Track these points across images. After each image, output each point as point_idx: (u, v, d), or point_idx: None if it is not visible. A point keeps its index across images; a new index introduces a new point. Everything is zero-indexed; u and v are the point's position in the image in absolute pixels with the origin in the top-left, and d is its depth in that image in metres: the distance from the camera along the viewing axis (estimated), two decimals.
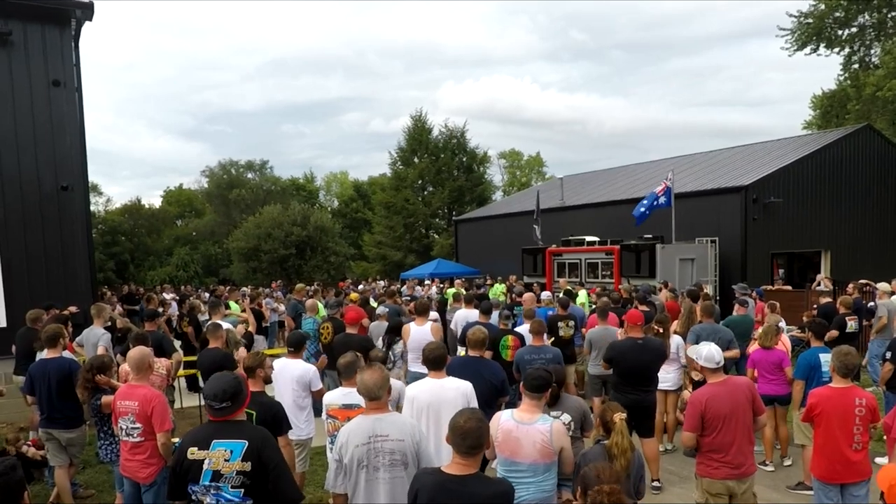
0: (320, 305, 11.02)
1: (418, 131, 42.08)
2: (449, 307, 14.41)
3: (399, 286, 22.69)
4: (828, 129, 28.42)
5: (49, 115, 10.43)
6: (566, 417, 4.84)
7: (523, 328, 8.56)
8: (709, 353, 4.83)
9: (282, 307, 16.42)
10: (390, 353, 9.68)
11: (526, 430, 4.08)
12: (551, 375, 4.46)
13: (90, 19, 10.69)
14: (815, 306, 12.27)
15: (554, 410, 4.85)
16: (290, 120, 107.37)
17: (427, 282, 23.75)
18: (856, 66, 27.54)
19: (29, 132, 10.29)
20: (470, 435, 3.18)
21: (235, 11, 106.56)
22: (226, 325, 8.16)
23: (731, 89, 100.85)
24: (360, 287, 23.09)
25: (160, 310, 13.02)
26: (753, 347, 7.95)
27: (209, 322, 7.67)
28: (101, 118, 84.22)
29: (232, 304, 11.98)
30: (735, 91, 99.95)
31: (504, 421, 4.19)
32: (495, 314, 9.02)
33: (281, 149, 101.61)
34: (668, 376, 7.82)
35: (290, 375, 5.89)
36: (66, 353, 6.74)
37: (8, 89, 10.14)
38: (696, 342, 5.81)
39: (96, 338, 8.19)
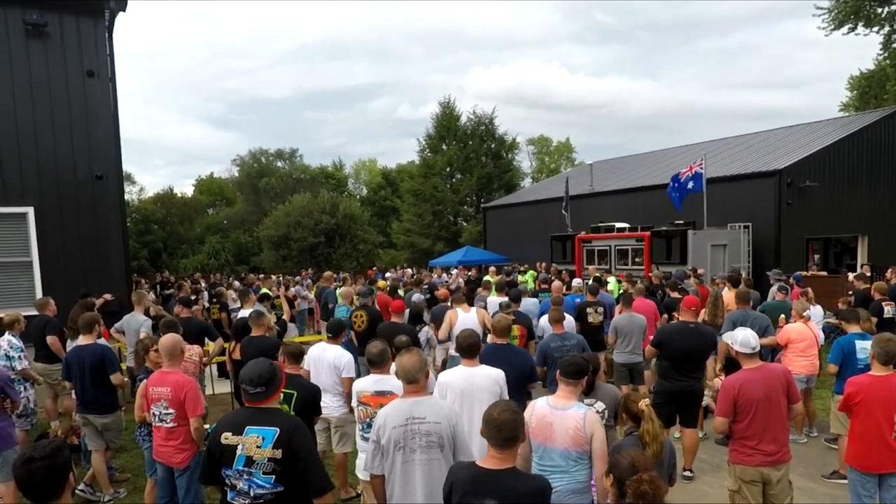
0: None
1: (446, 118, 41.97)
2: (477, 295, 14.40)
3: (441, 274, 22.67)
4: (866, 110, 27.64)
5: (84, 106, 10.59)
6: (600, 405, 4.81)
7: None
8: (744, 338, 4.76)
9: (311, 294, 16.58)
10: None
11: (560, 415, 4.05)
12: (588, 363, 4.44)
13: (123, 10, 10.82)
14: (850, 293, 12.03)
15: (588, 398, 4.81)
16: (317, 108, 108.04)
17: (454, 270, 23.72)
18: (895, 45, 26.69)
19: (64, 122, 10.47)
20: (505, 427, 3.09)
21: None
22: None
23: (764, 70, 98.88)
24: (388, 275, 23.15)
25: (193, 297, 13.18)
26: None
27: (252, 310, 7.72)
28: (132, 107, 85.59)
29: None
30: (769, 72, 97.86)
31: (539, 407, 4.18)
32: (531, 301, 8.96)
33: (309, 136, 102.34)
34: None
35: (327, 360, 6.21)
36: (101, 341, 6.86)
37: (44, 80, 10.31)
38: (732, 328, 5.71)
39: (138, 324, 8.41)
